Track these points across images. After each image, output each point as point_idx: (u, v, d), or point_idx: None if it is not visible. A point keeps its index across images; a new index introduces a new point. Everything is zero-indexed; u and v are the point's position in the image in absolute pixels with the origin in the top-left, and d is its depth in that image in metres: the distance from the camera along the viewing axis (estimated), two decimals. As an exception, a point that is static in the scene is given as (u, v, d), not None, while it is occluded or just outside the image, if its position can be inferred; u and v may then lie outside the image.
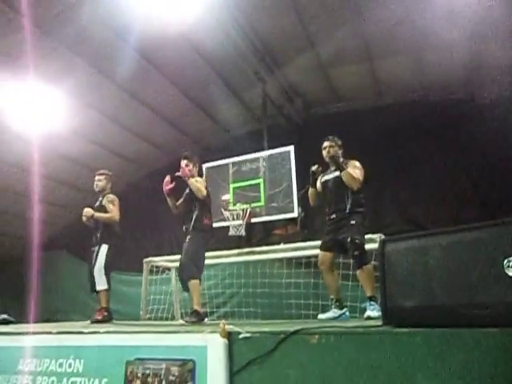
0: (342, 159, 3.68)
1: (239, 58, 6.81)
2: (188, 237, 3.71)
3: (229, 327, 1.87)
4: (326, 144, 3.77)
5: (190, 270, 3.59)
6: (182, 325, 3.38)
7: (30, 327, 3.22)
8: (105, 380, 2.08)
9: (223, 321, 1.97)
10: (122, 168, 10.43)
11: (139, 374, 1.99)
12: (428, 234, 1.69)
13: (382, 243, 1.78)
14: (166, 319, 5.87)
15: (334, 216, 3.60)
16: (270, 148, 7.04)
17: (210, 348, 1.84)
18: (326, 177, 3.78)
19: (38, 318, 8.63)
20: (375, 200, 7.10)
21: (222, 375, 1.77)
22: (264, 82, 7.40)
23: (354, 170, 3.57)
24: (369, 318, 2.99)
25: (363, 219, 3.52)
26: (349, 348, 1.64)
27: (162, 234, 9.01)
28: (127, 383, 2.00)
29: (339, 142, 3.81)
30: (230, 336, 1.85)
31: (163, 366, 1.94)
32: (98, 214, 4.20)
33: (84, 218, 4.21)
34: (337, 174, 3.62)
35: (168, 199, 3.89)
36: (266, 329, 1.89)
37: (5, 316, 4.44)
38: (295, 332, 1.72)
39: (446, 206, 6.38)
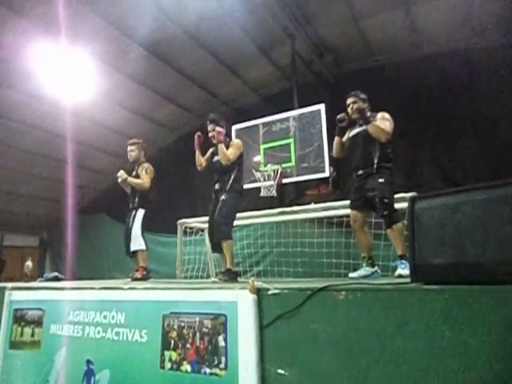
0: (369, 113, 3.51)
1: (267, 13, 6.54)
2: (222, 197, 3.66)
3: (258, 284, 1.93)
4: (349, 101, 3.62)
5: (224, 231, 3.60)
6: (214, 282, 3.50)
7: (77, 284, 3.47)
8: (144, 331, 2.24)
9: (252, 278, 2.03)
10: (154, 133, 10.60)
11: (175, 326, 2.12)
12: (459, 191, 1.63)
13: (412, 201, 1.74)
14: (201, 278, 6.13)
15: (360, 172, 3.49)
16: (300, 107, 6.87)
17: (240, 303, 1.92)
18: (354, 131, 3.64)
19: (83, 276, 9.28)
20: (411, 157, 6.86)
21: (252, 329, 1.85)
22: (293, 39, 7.11)
23: (383, 121, 3.41)
24: (400, 276, 2.98)
25: (392, 176, 3.37)
26: (376, 304, 1.65)
27: (195, 196, 9.22)
28: (165, 334, 2.15)
29: (362, 96, 3.62)
30: (259, 292, 1.91)
31: (197, 319, 2.06)
32: (130, 178, 4.32)
33: (119, 180, 4.34)
34: (364, 127, 3.48)
35: (196, 154, 3.89)
36: (295, 286, 1.94)
37: (56, 274, 4.80)
38: (322, 288, 1.76)
39: (484, 163, 6.06)
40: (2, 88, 8.35)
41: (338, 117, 3.59)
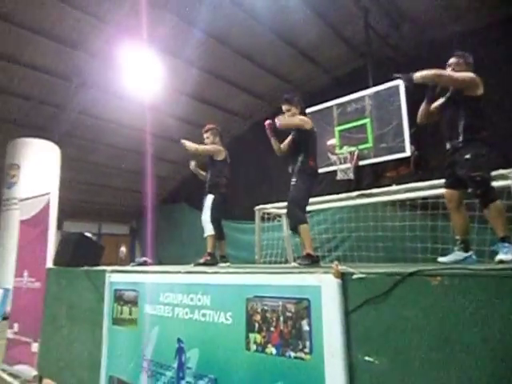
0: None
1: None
2: (293, 180, 3.60)
3: (342, 268, 1.87)
4: (451, 60, 3.23)
5: (297, 215, 3.53)
6: (295, 267, 3.48)
7: (165, 268, 3.69)
8: (229, 313, 2.31)
9: (336, 262, 1.97)
10: (227, 122, 10.86)
11: (259, 310, 2.15)
12: None
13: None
14: (280, 263, 6.18)
15: (448, 146, 3.15)
16: (375, 85, 6.50)
17: (323, 287, 1.88)
18: (443, 98, 3.28)
19: (167, 262, 9.92)
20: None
21: (336, 314, 1.80)
22: (366, 11, 6.72)
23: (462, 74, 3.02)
24: (501, 261, 2.66)
25: (483, 148, 2.90)
26: (478, 292, 1.49)
27: (271, 182, 9.28)
28: (249, 317, 2.19)
29: (469, 60, 3.22)
30: (343, 276, 1.85)
31: (280, 303, 2.06)
32: (193, 145, 4.34)
33: (191, 166, 4.42)
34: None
35: (272, 141, 3.86)
36: (381, 270, 1.84)
37: (145, 259, 5.15)
38: (413, 273, 1.63)
39: None
40: (93, 90, 9.17)
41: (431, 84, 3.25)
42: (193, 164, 4.53)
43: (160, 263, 10.79)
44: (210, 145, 4.45)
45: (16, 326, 4.83)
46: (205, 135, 4.58)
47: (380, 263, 5.04)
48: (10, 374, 4.55)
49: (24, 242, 5.10)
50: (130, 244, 15.70)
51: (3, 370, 4.69)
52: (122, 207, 14.74)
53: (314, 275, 1.95)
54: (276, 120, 3.65)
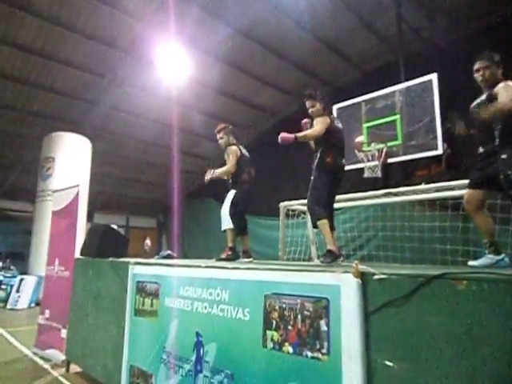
0: (503, 83, 2.92)
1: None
2: (312, 176, 3.55)
3: (362, 268, 1.80)
4: (478, 65, 3.09)
5: (315, 211, 3.47)
6: (317, 265, 3.42)
7: (186, 262, 3.72)
8: (247, 309, 2.29)
9: (356, 261, 1.90)
10: (254, 117, 10.85)
11: (276, 307, 2.11)
12: None
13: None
14: (304, 260, 6.12)
15: (481, 150, 3.00)
16: (406, 80, 6.28)
17: (343, 287, 1.82)
18: (478, 100, 3.13)
19: (193, 256, 10.02)
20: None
21: (356, 315, 1.74)
22: (399, 3, 6.49)
23: (503, 94, 2.84)
24: (534, 266, 2.52)
25: None
26: (508, 299, 1.40)
27: (297, 178, 9.20)
28: (267, 314, 2.16)
29: (496, 59, 3.06)
30: (363, 277, 1.78)
31: (298, 301, 2.02)
32: (216, 171, 4.22)
33: (206, 180, 4.24)
34: (486, 94, 2.96)
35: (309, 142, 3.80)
36: (405, 272, 1.76)
37: (169, 252, 5.22)
38: (438, 276, 1.55)
39: None
40: (124, 86, 9.37)
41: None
42: (207, 177, 4.37)
43: (185, 257, 10.95)
44: (227, 165, 4.30)
45: (47, 312, 5.03)
46: (218, 135, 4.50)
47: (407, 264, 4.89)
48: (41, 358, 4.75)
49: (55, 232, 5.29)
50: (156, 237, 16.03)
51: (35, 354, 4.89)
52: (150, 201, 15.05)
53: (333, 274, 1.90)
54: (282, 136, 3.57)
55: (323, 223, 3.44)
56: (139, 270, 3.42)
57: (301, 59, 8.95)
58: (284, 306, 2.08)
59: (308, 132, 3.58)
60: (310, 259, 6.04)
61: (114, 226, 4.67)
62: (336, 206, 4.12)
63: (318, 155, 3.57)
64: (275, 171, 9.87)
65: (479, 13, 6.83)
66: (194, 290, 2.73)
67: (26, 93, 9.33)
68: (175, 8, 6.92)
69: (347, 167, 5.90)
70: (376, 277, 1.73)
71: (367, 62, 8.76)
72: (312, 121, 3.69)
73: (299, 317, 2.00)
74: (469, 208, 3.09)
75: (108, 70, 8.90)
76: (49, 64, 8.62)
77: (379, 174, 5.76)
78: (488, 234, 3.06)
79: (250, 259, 4.40)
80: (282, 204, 6.12)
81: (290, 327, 2.03)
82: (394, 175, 6.98)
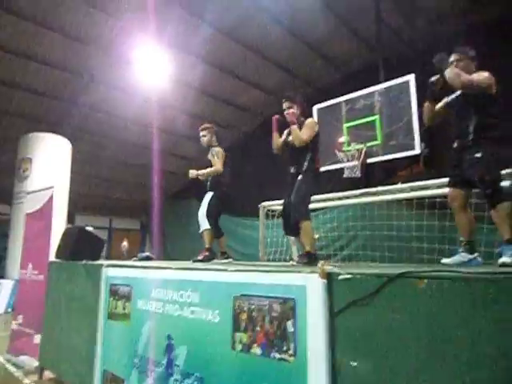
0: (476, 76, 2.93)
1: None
2: (300, 177, 3.51)
3: (328, 268, 1.78)
4: (453, 58, 3.09)
5: (301, 210, 3.45)
6: (293, 265, 3.41)
7: (157, 263, 3.67)
8: (217, 311, 2.25)
9: (322, 261, 1.89)
10: (237, 117, 10.81)
11: (245, 309, 2.08)
12: None
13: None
14: (284, 261, 6.11)
15: (455, 145, 3.02)
16: (386, 81, 6.34)
17: (309, 288, 1.80)
18: (451, 96, 3.14)
19: (176, 257, 9.91)
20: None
21: (321, 315, 1.72)
22: (378, 2, 6.53)
23: (479, 75, 2.86)
24: (504, 264, 2.53)
25: (494, 146, 2.79)
26: (467, 296, 1.39)
27: (280, 179, 9.17)
28: (236, 316, 2.13)
29: (471, 54, 3.07)
30: (329, 277, 1.77)
31: (266, 302, 1.99)
32: (201, 172, 4.30)
33: (191, 175, 4.34)
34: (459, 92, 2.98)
35: (273, 136, 3.77)
36: (370, 271, 1.75)
37: (148, 254, 5.15)
38: (400, 275, 1.54)
39: None
40: (103, 86, 9.23)
41: (432, 79, 3.10)
42: (193, 174, 4.39)
43: (168, 258, 10.83)
44: (215, 165, 4.32)
45: (20, 317, 4.89)
46: (201, 133, 4.51)
47: (386, 263, 4.92)
48: (14, 364, 4.61)
49: (29, 235, 5.16)
50: (140, 239, 15.86)
51: (8, 360, 4.76)
52: (133, 202, 14.87)
53: (299, 274, 1.88)
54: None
55: (308, 224, 3.44)
56: (112, 272, 3.35)
57: (283, 60, 8.96)
58: (253, 307, 2.05)
59: (301, 133, 3.53)
60: (291, 260, 6.03)
61: (90, 228, 4.58)
62: (318, 206, 4.13)
63: (307, 160, 3.54)
64: (258, 172, 9.84)
65: (457, 14, 6.94)
66: (166, 292, 2.68)
67: (2, 93, 9.10)
68: (156, 7, 6.84)
69: (327, 167, 5.93)
70: (341, 277, 1.72)
71: (348, 62, 8.82)
72: (284, 119, 3.68)
73: (267, 318, 1.97)
74: (454, 206, 3.09)
75: (87, 70, 8.74)
76: (25, 63, 8.43)
77: (358, 174, 5.80)
78: (468, 232, 3.07)
79: (230, 260, 4.38)
80: (261, 204, 6.10)
81: (258, 329, 2.01)
82: (376, 175, 7.03)
